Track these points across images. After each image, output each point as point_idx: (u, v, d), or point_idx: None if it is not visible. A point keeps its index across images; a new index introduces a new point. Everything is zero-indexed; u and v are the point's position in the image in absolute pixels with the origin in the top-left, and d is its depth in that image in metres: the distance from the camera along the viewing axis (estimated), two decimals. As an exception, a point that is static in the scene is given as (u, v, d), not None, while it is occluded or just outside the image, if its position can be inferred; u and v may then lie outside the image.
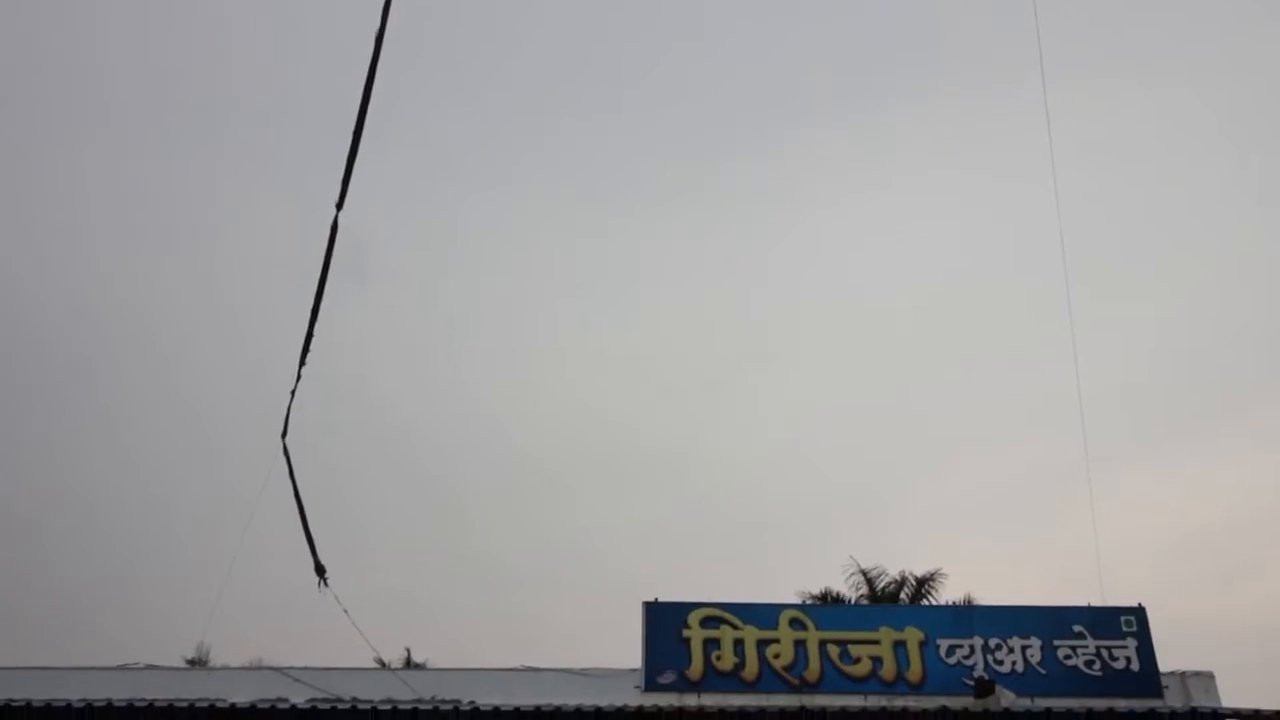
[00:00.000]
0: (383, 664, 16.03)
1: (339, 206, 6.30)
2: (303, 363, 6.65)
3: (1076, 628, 14.01)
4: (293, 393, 6.83)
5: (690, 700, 13.10)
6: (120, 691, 11.87)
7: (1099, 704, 11.61)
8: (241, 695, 11.67)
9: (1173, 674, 14.08)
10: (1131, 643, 13.85)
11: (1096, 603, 14.51)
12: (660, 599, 14.59)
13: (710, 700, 12.89)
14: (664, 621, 14.28)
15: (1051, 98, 13.16)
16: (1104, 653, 13.79)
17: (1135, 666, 13.74)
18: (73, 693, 11.23)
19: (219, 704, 11.03)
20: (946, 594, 24.49)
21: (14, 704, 10.76)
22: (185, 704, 10.79)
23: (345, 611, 10.91)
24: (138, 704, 10.87)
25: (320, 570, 8.41)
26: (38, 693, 11.10)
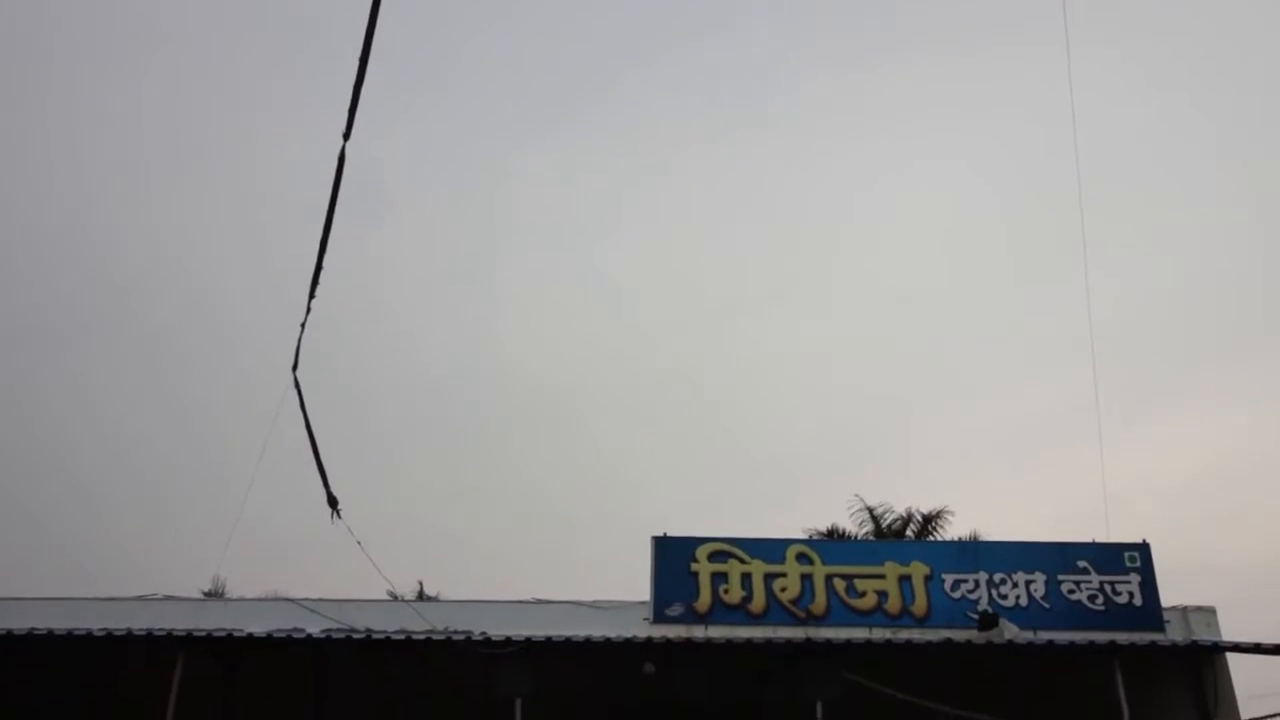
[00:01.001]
0: (395, 596, 16.32)
1: (345, 137, 6.27)
2: (312, 295, 6.67)
3: (1081, 563, 14.13)
4: (303, 325, 6.87)
5: (698, 632, 13.31)
6: (140, 621, 12.11)
7: (1100, 637, 11.74)
8: (258, 625, 11.90)
9: (1174, 609, 14.23)
10: (1135, 578, 13.97)
11: (1102, 540, 14.65)
12: (669, 534, 14.76)
13: (717, 632, 13.10)
14: (673, 555, 14.45)
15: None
16: (1107, 588, 13.92)
17: (1138, 601, 13.89)
18: (93, 622, 11.47)
19: (236, 633, 11.25)
20: (952, 532, 24.61)
21: (36, 633, 10.99)
22: (203, 633, 11.00)
23: (358, 542, 11.10)
24: (157, 633, 11.07)
25: (333, 502, 8.52)
26: (59, 622, 11.33)
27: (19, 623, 11.50)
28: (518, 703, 10.54)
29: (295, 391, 7.37)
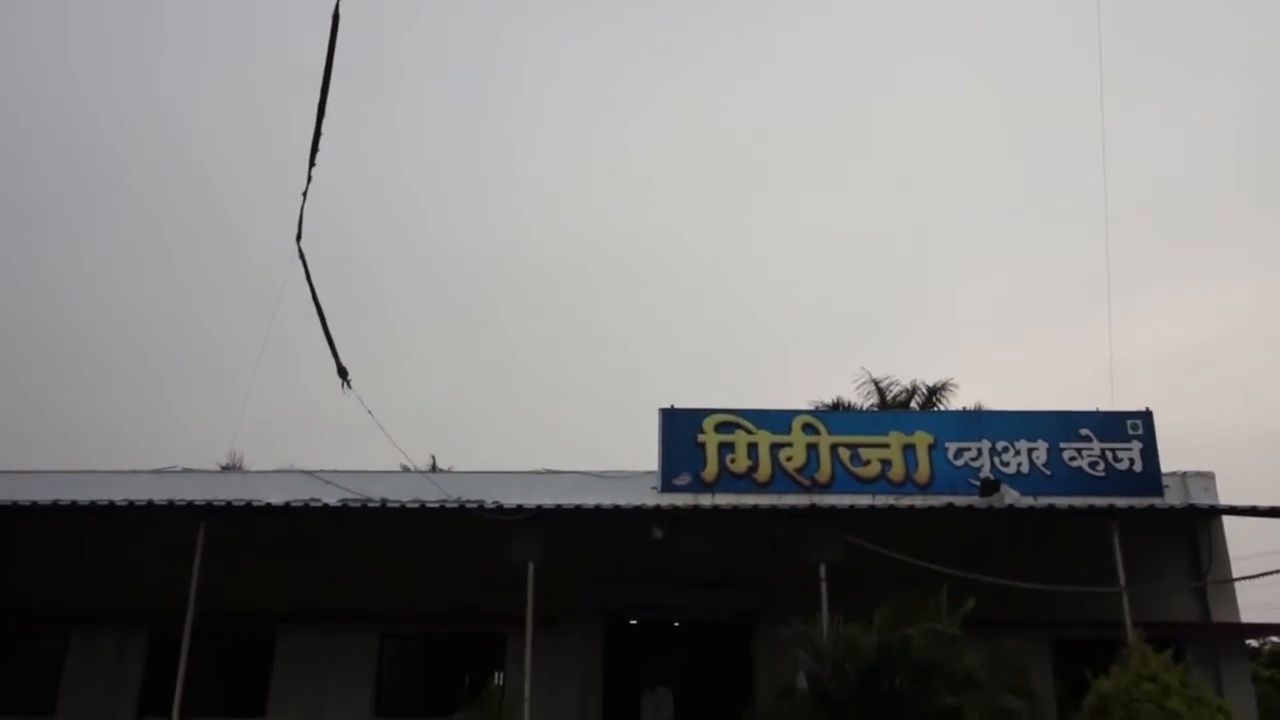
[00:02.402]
0: (407, 469, 16.64)
1: (339, -3, 6.08)
2: (312, 163, 6.58)
3: (1083, 431, 14.30)
4: (304, 194, 6.79)
5: (705, 500, 13.60)
6: (160, 493, 12.42)
7: (1100, 502, 11.96)
8: (276, 496, 12.18)
9: (1174, 474, 14.46)
10: (1136, 445, 14.15)
11: (1105, 409, 14.78)
12: (676, 406, 14.93)
13: (724, 500, 13.38)
14: (680, 427, 14.65)
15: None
16: (1109, 455, 14.12)
17: (1138, 468, 14.10)
18: (116, 493, 11.75)
19: (255, 503, 11.52)
20: (957, 403, 24.86)
21: (60, 503, 11.28)
22: (223, 503, 11.27)
23: (369, 412, 11.24)
24: (178, 503, 11.35)
25: (343, 372, 8.60)
26: (83, 494, 11.62)
27: (43, 495, 11.80)
28: (530, 566, 10.85)
29: (300, 263, 7.35)
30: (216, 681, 14.72)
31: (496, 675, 14.59)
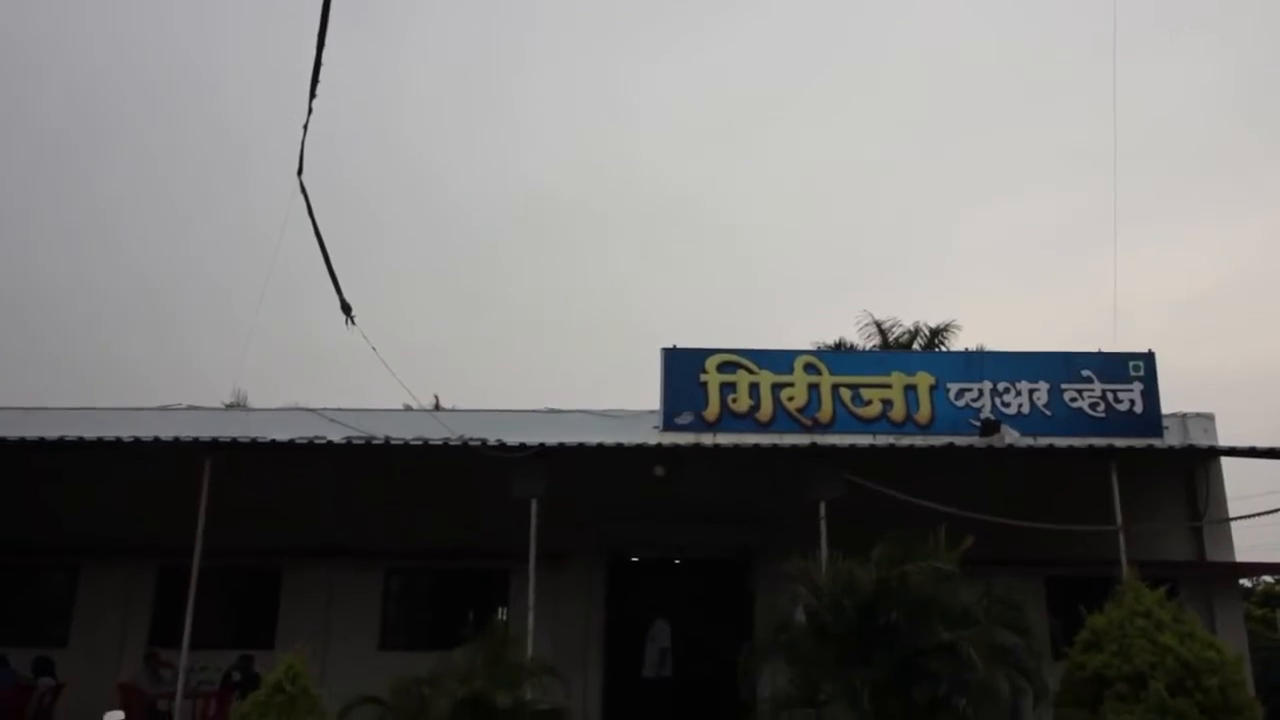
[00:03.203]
0: (410, 408, 16.73)
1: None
2: (313, 95, 6.50)
3: (1085, 372, 14.34)
4: (305, 127, 6.72)
5: (706, 439, 13.69)
6: (165, 430, 12.51)
7: (1099, 442, 12.03)
8: (280, 433, 12.27)
9: (1174, 415, 14.53)
10: (1137, 387, 14.20)
11: (1108, 350, 14.79)
12: (678, 346, 14.96)
13: (725, 439, 13.47)
14: (682, 366, 14.70)
15: None
16: (1109, 396, 14.17)
17: (1139, 409, 14.17)
18: (122, 430, 11.84)
19: (260, 439, 11.61)
20: (959, 346, 24.89)
21: (66, 440, 11.37)
22: (228, 439, 11.36)
23: (374, 349, 11.27)
24: (184, 439, 11.45)
25: (346, 308, 8.60)
26: (90, 430, 11.70)
27: (50, 431, 11.89)
28: (533, 503, 10.96)
29: (302, 197, 7.30)
30: (225, 614, 15.00)
31: (500, 610, 14.84)
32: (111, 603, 14.89)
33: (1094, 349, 14.69)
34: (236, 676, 12.96)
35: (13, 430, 11.88)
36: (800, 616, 8.63)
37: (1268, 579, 22.37)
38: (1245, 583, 19.78)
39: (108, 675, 13.51)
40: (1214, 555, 14.60)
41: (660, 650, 15.36)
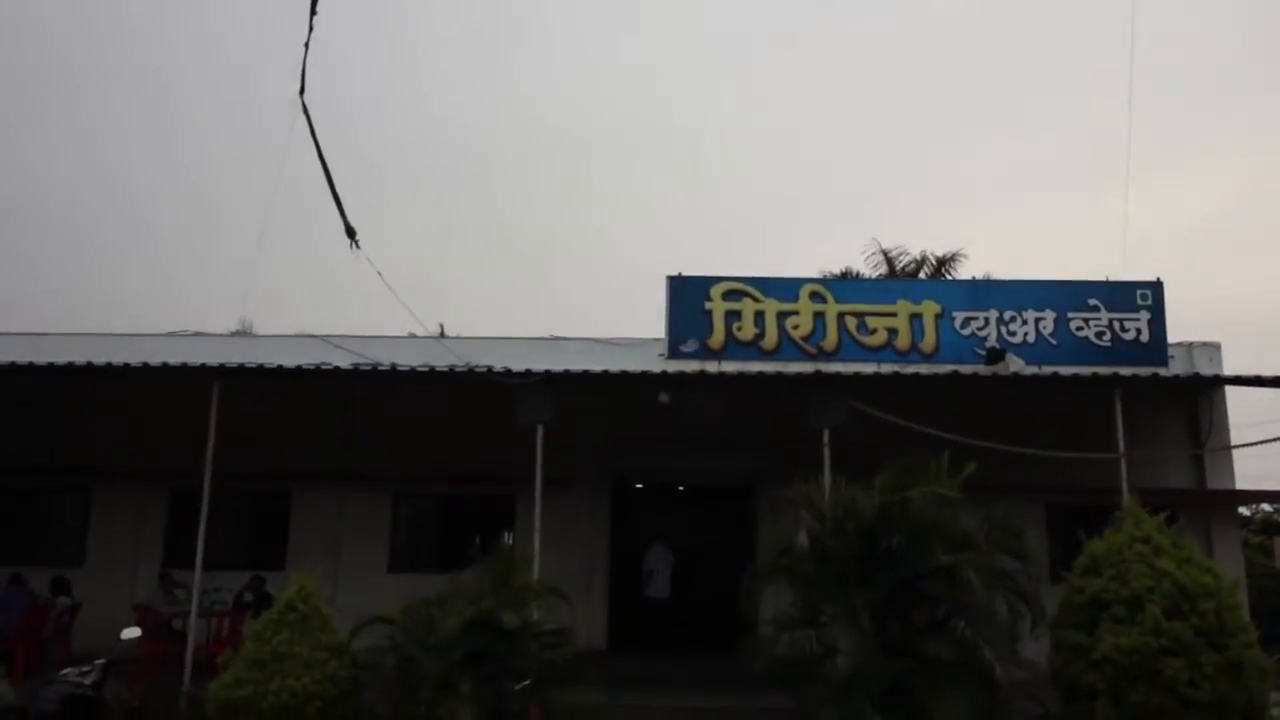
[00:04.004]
0: (415, 335, 16.76)
1: None
2: (313, 12, 6.36)
3: (1092, 301, 14.27)
4: (306, 45, 6.59)
5: (711, 366, 13.71)
6: (173, 356, 12.54)
7: (1104, 370, 12.03)
8: (287, 360, 12.30)
9: (1180, 345, 14.51)
10: (1144, 315, 14.14)
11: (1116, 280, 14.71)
12: (684, 274, 14.89)
13: (730, 367, 13.49)
14: (687, 294, 14.65)
15: None
16: (1116, 325, 14.12)
17: (1145, 338, 14.13)
18: (131, 356, 11.87)
19: (267, 364, 11.63)
20: (966, 275, 24.76)
21: (76, 364, 11.41)
22: (235, 365, 11.38)
23: (379, 273, 11.23)
24: (191, 364, 11.47)
25: (350, 232, 8.54)
26: (96, 356, 11.74)
27: (59, 357, 11.93)
28: (538, 430, 11.03)
29: (304, 117, 7.20)
30: (237, 536, 15.26)
31: (506, 535, 15.06)
32: (125, 525, 15.15)
33: (1103, 279, 14.63)
34: (249, 597, 13.22)
35: (23, 356, 11.93)
36: (803, 540, 8.72)
37: (1266, 507, 22.57)
38: (1244, 511, 19.96)
39: (123, 595, 13.80)
40: (1214, 483, 14.71)
41: (647, 572, 15.67)
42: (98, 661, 8.20)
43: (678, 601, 16.31)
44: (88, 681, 7.94)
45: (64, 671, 8.22)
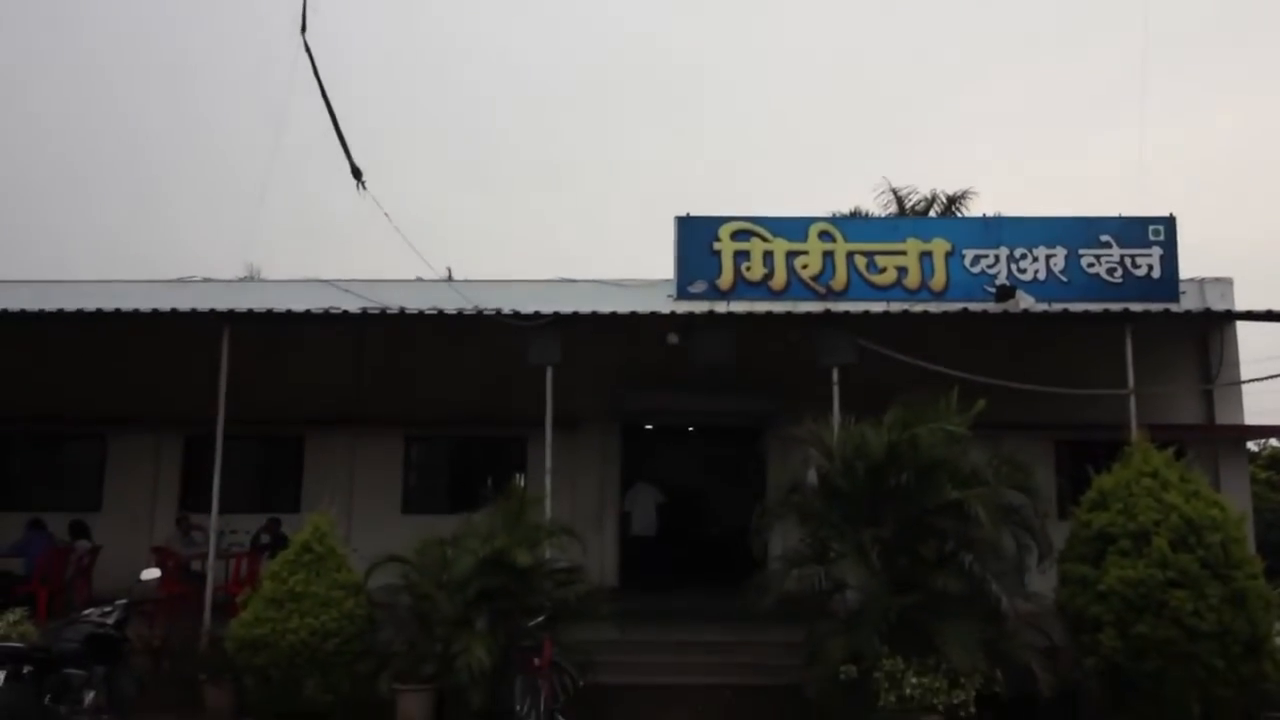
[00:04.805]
0: (423, 279, 16.72)
1: None
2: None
3: (1104, 237, 14.12)
4: (307, -14, 6.48)
5: (720, 306, 13.68)
6: (182, 301, 12.57)
7: (1115, 307, 11.96)
8: (295, 304, 12.31)
9: (1192, 280, 14.40)
10: (1156, 251, 14.00)
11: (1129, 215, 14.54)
12: (692, 214, 14.78)
13: (739, 307, 13.44)
14: (695, 235, 14.56)
15: None
16: (1127, 261, 13.99)
17: (1156, 274, 14.00)
18: (140, 302, 11.88)
19: (276, 309, 11.65)
20: (977, 213, 24.53)
21: (85, 310, 11.44)
22: (244, 310, 11.40)
23: (386, 215, 11.17)
24: (200, 310, 11.50)
25: (357, 173, 8.48)
26: (105, 302, 11.76)
27: (68, 304, 11.95)
28: (548, 371, 11.06)
29: (307, 56, 7.10)
30: (251, 480, 15.43)
31: (518, 476, 15.19)
32: (141, 470, 15.34)
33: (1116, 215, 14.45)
34: (265, 539, 13.42)
35: (33, 303, 11.97)
36: (812, 478, 8.80)
37: (1274, 442, 22.60)
38: (1253, 446, 20.00)
39: (141, 538, 14.02)
40: (1224, 419, 14.73)
41: (624, 513, 15.84)
42: (119, 602, 8.35)
43: (688, 540, 16.56)
44: (110, 621, 8.10)
45: (86, 612, 8.37)
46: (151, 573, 8.90)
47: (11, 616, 9.18)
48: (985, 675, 7.88)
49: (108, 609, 8.25)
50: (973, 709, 7.77)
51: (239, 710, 9.08)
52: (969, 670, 7.79)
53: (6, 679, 6.82)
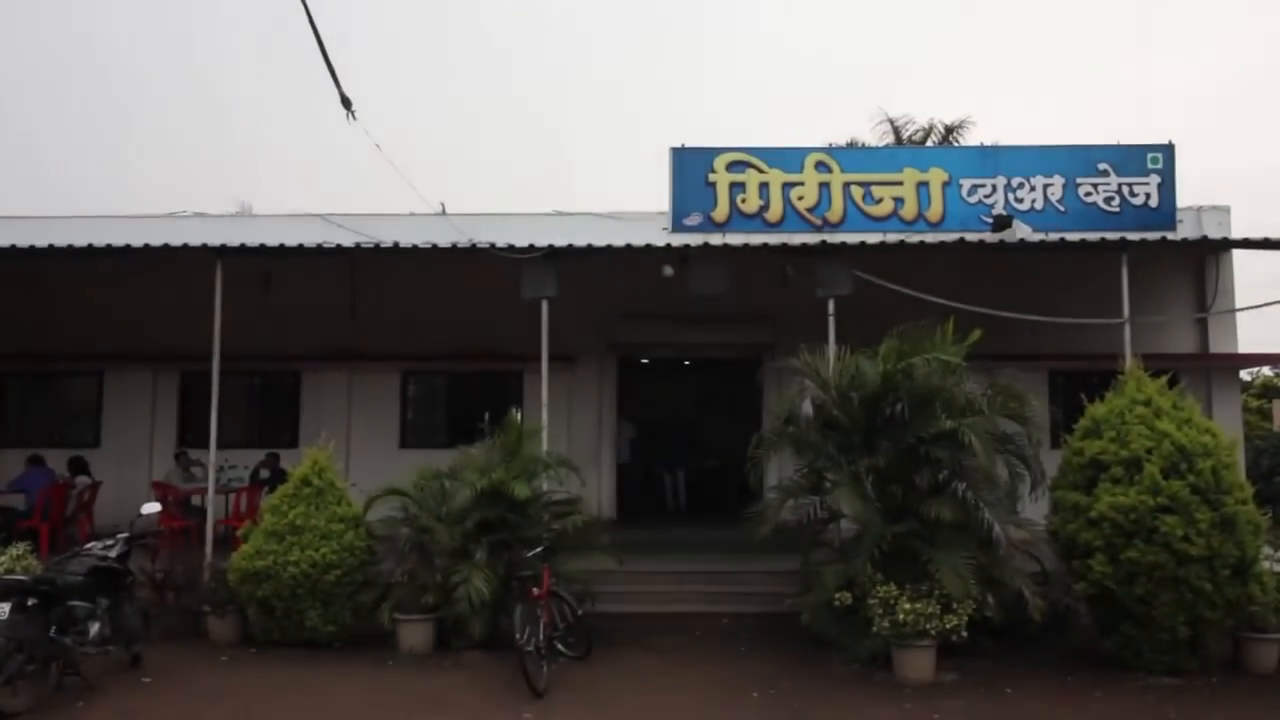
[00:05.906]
0: (416, 213, 16.56)
1: None
2: None
3: (1102, 166, 14.03)
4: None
5: (715, 239, 13.59)
6: (174, 237, 12.43)
7: (1111, 235, 11.91)
8: (289, 239, 12.18)
9: (1189, 209, 14.33)
10: (1154, 179, 13.92)
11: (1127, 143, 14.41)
12: (686, 145, 14.63)
13: (735, 239, 13.35)
14: (691, 166, 14.44)
15: None
16: (1125, 189, 13.92)
17: (1154, 203, 13.95)
18: (132, 238, 11.76)
19: (268, 244, 11.52)
20: (974, 143, 24.26)
21: (75, 246, 11.32)
22: (237, 244, 11.29)
23: (377, 146, 11.00)
24: (191, 245, 11.37)
25: (346, 103, 8.34)
26: (96, 238, 11.64)
27: (59, 239, 11.83)
28: (544, 305, 11.01)
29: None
30: (249, 416, 15.49)
31: (514, 410, 15.23)
32: (138, 406, 15.38)
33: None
34: (264, 474, 13.50)
35: (25, 239, 11.84)
36: (807, 409, 8.81)
37: (1266, 371, 22.73)
38: (1245, 376, 20.11)
39: (140, 474, 14.11)
40: (1217, 348, 14.76)
41: (628, 441, 16.13)
42: (121, 535, 8.41)
43: (684, 469, 16.78)
44: (112, 554, 8.16)
45: (88, 546, 8.44)
46: (152, 507, 8.95)
47: (15, 550, 9.27)
48: (977, 601, 8.00)
49: (109, 543, 8.31)
50: (965, 634, 7.90)
51: (243, 641, 9.22)
52: (961, 596, 7.90)
53: (12, 611, 6.89)
